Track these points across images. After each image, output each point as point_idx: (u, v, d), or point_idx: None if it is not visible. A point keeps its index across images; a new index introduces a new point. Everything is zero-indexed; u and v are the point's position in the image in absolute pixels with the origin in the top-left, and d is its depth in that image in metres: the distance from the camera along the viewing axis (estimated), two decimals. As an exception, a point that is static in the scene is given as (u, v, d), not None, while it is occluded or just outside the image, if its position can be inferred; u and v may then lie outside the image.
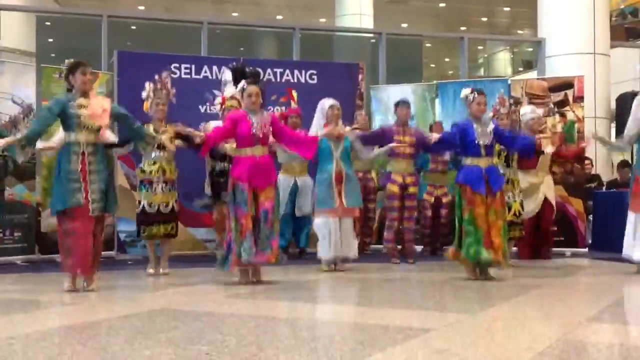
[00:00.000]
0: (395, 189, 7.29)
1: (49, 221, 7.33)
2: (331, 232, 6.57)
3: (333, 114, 6.70)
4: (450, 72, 19.07)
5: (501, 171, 6.48)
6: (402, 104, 7.36)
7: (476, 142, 5.94)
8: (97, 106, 5.38)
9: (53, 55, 16.07)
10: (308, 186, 7.60)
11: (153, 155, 6.40)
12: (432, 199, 8.12)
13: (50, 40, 16.74)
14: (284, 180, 7.49)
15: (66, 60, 5.51)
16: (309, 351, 3.22)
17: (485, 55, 21.46)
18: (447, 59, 20.57)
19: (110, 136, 5.63)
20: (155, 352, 3.16)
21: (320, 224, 6.66)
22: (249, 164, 5.63)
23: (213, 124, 6.90)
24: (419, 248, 8.04)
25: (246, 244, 5.52)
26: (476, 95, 6.02)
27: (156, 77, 6.70)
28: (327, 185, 6.63)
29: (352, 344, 3.41)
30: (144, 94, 6.62)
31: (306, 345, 3.38)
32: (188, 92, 7.92)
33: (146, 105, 6.60)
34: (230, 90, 7.02)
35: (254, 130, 5.65)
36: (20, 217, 7.66)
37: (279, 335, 3.63)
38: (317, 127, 6.73)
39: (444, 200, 8.11)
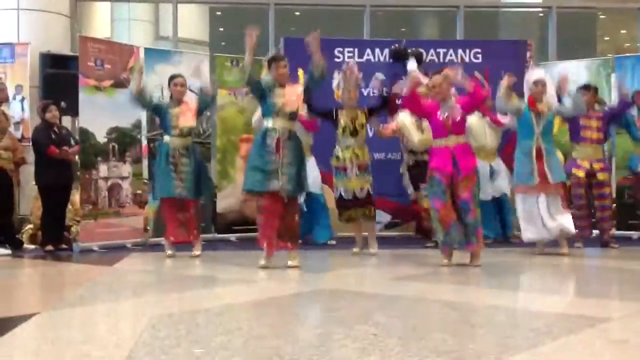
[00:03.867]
0: (581, 174, 7.02)
1: (225, 202, 7.78)
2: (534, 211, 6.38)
3: (537, 90, 6.45)
4: (627, 44, 17.79)
5: None
6: (583, 90, 6.97)
7: None
8: (292, 94, 5.69)
9: (224, 43, 16.90)
10: (503, 169, 7.53)
11: (346, 142, 6.55)
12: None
13: (221, 29, 17.59)
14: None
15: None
16: (478, 337, 3.17)
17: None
18: (623, 31, 19.21)
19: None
20: (326, 331, 3.26)
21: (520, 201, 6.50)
22: (444, 154, 5.62)
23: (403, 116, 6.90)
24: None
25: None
26: None
27: (344, 66, 6.83)
28: (528, 161, 6.40)
29: (523, 331, 3.32)
30: (334, 83, 6.74)
31: (475, 330, 3.33)
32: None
33: (337, 94, 6.74)
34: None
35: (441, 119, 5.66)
36: (198, 198, 8.14)
37: (445, 319, 3.60)
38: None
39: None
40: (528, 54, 8.68)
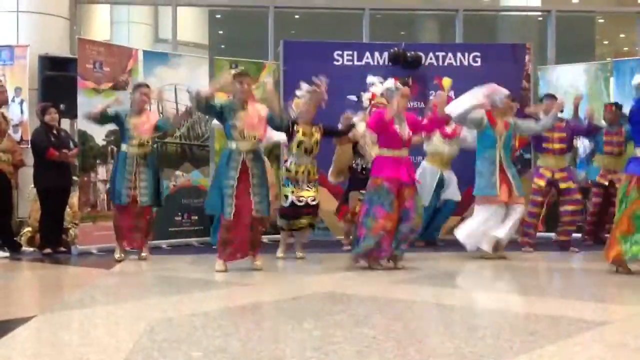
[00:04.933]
0: (542, 183, 7.14)
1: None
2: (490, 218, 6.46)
3: (505, 105, 6.62)
4: (626, 48, 17.81)
5: None
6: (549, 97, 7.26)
7: None
8: (254, 115, 5.69)
9: (223, 46, 16.91)
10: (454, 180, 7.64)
11: (300, 158, 6.50)
12: (606, 183, 7.65)
13: (221, 32, 17.61)
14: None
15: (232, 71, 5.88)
16: (477, 340, 3.17)
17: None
18: (622, 35, 19.24)
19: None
20: (325, 334, 3.25)
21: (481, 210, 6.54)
22: (398, 164, 5.75)
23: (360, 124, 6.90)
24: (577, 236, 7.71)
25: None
26: None
27: (314, 79, 6.78)
28: (490, 172, 6.49)
29: (522, 334, 3.32)
30: (299, 92, 6.68)
31: (473, 333, 3.33)
32: (351, 78, 8.03)
33: (297, 103, 6.67)
34: (376, 89, 7.03)
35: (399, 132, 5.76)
36: (196, 201, 8.17)
37: (443, 321, 3.61)
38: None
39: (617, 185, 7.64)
40: (527, 58, 8.70)
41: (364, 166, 7.09)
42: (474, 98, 6.41)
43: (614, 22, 17.47)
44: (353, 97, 7.48)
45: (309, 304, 4.30)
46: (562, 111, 7.03)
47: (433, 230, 7.80)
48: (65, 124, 8.08)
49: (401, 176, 5.71)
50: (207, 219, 8.15)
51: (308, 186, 6.51)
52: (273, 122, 5.80)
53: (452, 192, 7.64)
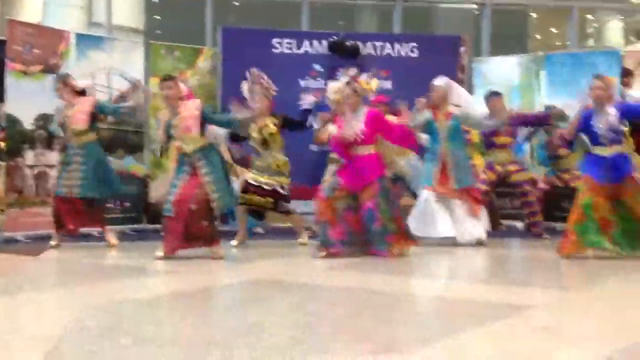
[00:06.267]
0: (491, 176, 7.26)
1: (156, 192, 7.67)
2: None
3: (435, 96, 6.60)
4: (558, 43, 18.30)
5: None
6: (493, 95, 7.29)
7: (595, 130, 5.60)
8: (188, 115, 5.65)
9: (159, 32, 16.60)
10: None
11: (259, 152, 6.56)
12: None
13: (157, 17, 17.27)
14: None
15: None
16: (408, 323, 3.21)
17: (596, 25, 20.43)
18: (553, 29, 19.76)
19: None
20: (258, 320, 3.23)
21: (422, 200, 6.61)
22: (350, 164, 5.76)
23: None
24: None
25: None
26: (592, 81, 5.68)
27: (248, 75, 6.71)
28: (433, 164, 6.57)
29: (450, 318, 3.38)
30: (243, 88, 6.69)
31: (404, 317, 3.38)
32: (290, 66, 8.00)
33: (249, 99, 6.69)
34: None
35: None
36: (129, 188, 7.99)
37: (377, 307, 3.64)
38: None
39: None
40: (462, 49, 8.83)
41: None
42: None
43: (546, 17, 17.93)
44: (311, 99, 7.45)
45: (243, 291, 4.28)
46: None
47: None
48: (-9, 107, 7.79)
49: (355, 185, 5.68)
50: (139, 205, 8.02)
51: (269, 176, 6.50)
52: (216, 120, 5.85)
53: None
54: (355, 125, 5.73)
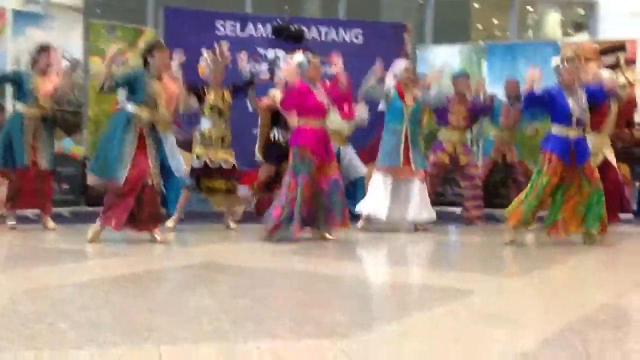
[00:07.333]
0: (445, 158, 7.31)
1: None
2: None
3: (404, 78, 6.69)
4: (498, 33, 18.62)
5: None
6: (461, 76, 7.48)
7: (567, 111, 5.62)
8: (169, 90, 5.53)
9: (99, 10, 16.17)
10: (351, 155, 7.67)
11: (214, 121, 6.47)
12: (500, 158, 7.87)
13: (97, -5, 16.81)
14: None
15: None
16: (352, 308, 3.23)
17: (535, 17, 20.86)
18: (495, 20, 20.11)
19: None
20: (200, 304, 3.20)
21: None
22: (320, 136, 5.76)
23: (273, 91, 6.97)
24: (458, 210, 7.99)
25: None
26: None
27: (215, 45, 6.63)
28: (396, 143, 6.60)
29: (394, 303, 3.41)
30: (201, 60, 6.59)
31: (347, 302, 3.39)
32: (233, 49, 7.89)
33: (202, 70, 6.58)
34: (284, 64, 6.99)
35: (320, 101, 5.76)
36: (67, 169, 7.80)
37: (321, 292, 3.64)
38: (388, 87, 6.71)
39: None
40: (406, 37, 8.89)
41: (283, 138, 7.00)
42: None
43: (488, 8, 18.22)
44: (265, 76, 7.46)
45: (187, 275, 4.23)
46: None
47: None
48: None
49: (321, 150, 5.72)
50: (78, 188, 7.83)
51: (222, 150, 6.44)
52: None
53: (359, 168, 7.67)
54: (322, 96, 5.79)
